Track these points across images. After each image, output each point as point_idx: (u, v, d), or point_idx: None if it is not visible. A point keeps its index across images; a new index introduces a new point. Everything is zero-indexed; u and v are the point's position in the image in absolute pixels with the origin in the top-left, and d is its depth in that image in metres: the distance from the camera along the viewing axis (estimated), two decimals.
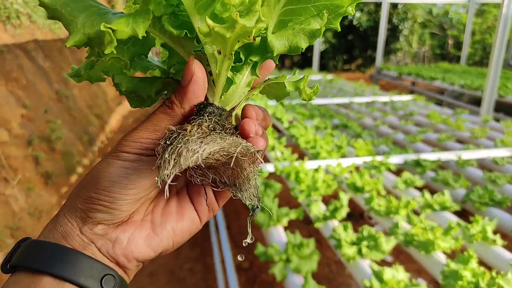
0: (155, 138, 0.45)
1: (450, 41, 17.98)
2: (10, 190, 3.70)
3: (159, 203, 0.52)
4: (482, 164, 3.25)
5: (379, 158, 2.94)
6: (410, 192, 2.52)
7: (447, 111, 5.11)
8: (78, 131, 5.60)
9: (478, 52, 16.17)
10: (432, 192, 2.48)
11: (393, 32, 14.94)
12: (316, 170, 2.58)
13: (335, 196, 2.54)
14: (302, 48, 0.45)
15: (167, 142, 0.41)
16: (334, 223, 2.12)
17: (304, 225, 3.53)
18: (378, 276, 1.53)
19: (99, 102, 7.10)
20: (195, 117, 0.45)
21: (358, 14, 14.36)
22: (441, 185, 2.66)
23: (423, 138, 3.86)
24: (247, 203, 0.45)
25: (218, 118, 0.45)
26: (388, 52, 15.25)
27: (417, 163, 2.93)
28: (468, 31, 10.11)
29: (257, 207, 0.46)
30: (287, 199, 2.95)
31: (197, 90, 0.45)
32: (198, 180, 0.47)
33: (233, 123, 0.51)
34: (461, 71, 9.23)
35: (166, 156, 0.39)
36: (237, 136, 0.44)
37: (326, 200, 2.92)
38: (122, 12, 0.42)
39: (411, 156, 3.06)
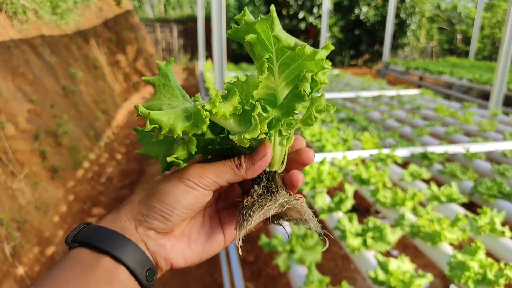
0: (215, 181, 0.57)
1: (459, 36, 17.75)
2: (17, 184, 3.73)
3: (196, 223, 0.62)
4: (490, 157, 3.20)
5: (385, 151, 2.90)
6: (417, 185, 2.48)
7: (455, 105, 5.05)
8: (85, 126, 5.62)
9: (487, 46, 15.95)
10: (439, 184, 2.44)
11: (401, 27, 14.79)
12: (322, 162, 2.55)
13: (341, 188, 2.52)
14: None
15: (245, 208, 0.58)
16: (339, 214, 2.10)
17: None
18: (383, 267, 1.51)
19: (106, 98, 7.12)
20: (256, 182, 0.60)
21: (365, 9, 14.23)
22: (449, 177, 2.62)
23: (430, 131, 3.81)
24: (316, 231, 0.60)
25: (271, 182, 0.60)
26: (395, 47, 15.10)
27: (424, 156, 2.89)
28: (477, 25, 9.97)
29: (320, 234, 0.60)
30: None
31: (263, 167, 0.58)
32: (275, 221, 0.61)
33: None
34: (469, 66, 9.11)
35: (247, 217, 0.57)
36: (285, 191, 0.60)
37: (331, 193, 2.90)
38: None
39: (418, 149, 3.02)
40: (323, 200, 2.22)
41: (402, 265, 1.53)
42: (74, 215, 4.07)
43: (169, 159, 0.55)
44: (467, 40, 16.52)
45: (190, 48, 15.74)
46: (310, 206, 2.42)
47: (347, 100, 5.64)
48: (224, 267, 2.83)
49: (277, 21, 0.52)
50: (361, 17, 14.36)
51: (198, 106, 0.50)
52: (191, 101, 0.60)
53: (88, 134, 5.55)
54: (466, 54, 14.97)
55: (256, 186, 0.60)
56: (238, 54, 14.43)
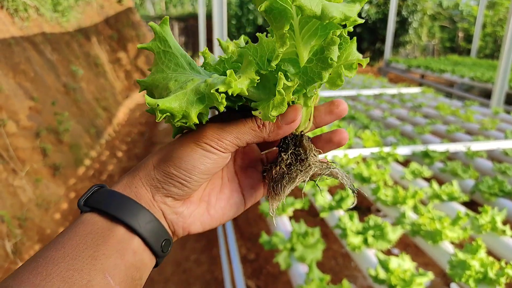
0: (235, 143, 0.52)
1: (460, 34, 17.70)
2: (18, 181, 3.73)
3: (214, 187, 0.59)
4: (492, 156, 3.19)
5: (386, 149, 2.90)
6: (418, 183, 2.48)
7: (457, 103, 5.04)
8: (86, 123, 5.62)
9: (489, 45, 15.90)
10: (440, 183, 2.44)
11: (402, 25, 14.75)
12: None
13: (342, 186, 2.52)
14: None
15: (275, 182, 0.55)
16: (340, 213, 2.10)
17: (310, 217, 3.51)
18: (384, 265, 1.51)
19: (107, 95, 7.12)
20: (283, 149, 0.56)
21: (366, 7, 14.18)
22: (450, 176, 2.62)
23: (431, 129, 3.80)
24: (350, 188, 0.54)
25: (299, 148, 0.56)
26: (397, 45, 15.07)
27: (425, 154, 2.88)
28: (479, 23, 9.94)
29: (354, 191, 0.54)
30: (292, 190, 2.93)
31: (288, 132, 0.54)
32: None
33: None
34: (471, 64, 9.09)
35: (278, 191, 0.54)
36: (315, 153, 0.56)
37: (332, 191, 2.90)
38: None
39: (419, 147, 3.01)
40: (324, 199, 2.22)
41: (403, 264, 1.52)
42: (75, 213, 4.08)
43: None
44: (469, 38, 16.47)
45: (191, 45, 15.73)
46: (311, 207, 2.42)
47: (349, 98, 5.63)
48: (225, 264, 2.83)
49: None
50: (363, 15, 14.32)
51: (212, 91, 0.45)
52: (199, 69, 0.54)
53: (89, 131, 5.55)
54: (468, 52, 14.93)
55: (283, 154, 0.55)
56: None
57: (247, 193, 0.60)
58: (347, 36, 0.51)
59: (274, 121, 0.50)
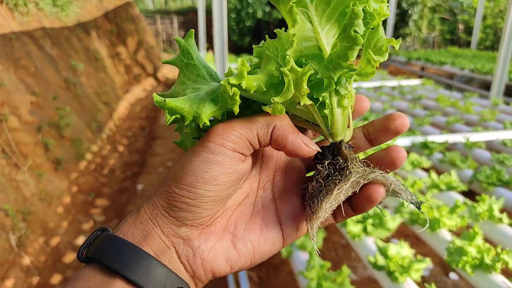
0: (245, 136, 0.43)
1: (461, 26, 17.64)
2: (21, 176, 3.77)
3: (243, 214, 0.48)
4: (490, 146, 3.22)
5: None
6: (417, 173, 2.51)
7: (456, 95, 5.05)
8: (87, 118, 5.65)
9: (490, 37, 15.85)
10: (439, 173, 2.47)
11: (402, 17, 14.71)
12: None
13: None
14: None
15: (311, 198, 0.46)
16: None
17: None
18: (383, 252, 1.54)
19: (107, 90, 7.14)
20: (319, 161, 0.48)
21: None
22: (449, 166, 2.65)
23: (431, 121, 3.82)
24: (411, 202, 0.47)
25: (337, 157, 0.48)
26: (397, 37, 15.02)
27: (425, 145, 2.91)
28: (479, 15, 9.91)
29: (416, 205, 0.47)
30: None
31: (297, 151, 0.45)
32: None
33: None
34: (471, 56, 9.09)
35: (315, 208, 0.45)
36: (358, 163, 0.47)
37: None
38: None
39: (419, 138, 3.04)
40: None
41: (401, 251, 1.56)
42: (78, 206, 4.12)
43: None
44: (469, 30, 16.42)
45: None
46: None
47: None
48: None
49: None
50: None
51: (221, 82, 0.40)
52: (220, 79, 0.49)
53: (90, 126, 5.58)
54: (468, 44, 14.89)
55: (319, 166, 0.47)
56: (239, 46, 14.37)
57: (286, 225, 0.48)
58: (372, 11, 0.43)
59: (283, 112, 0.43)
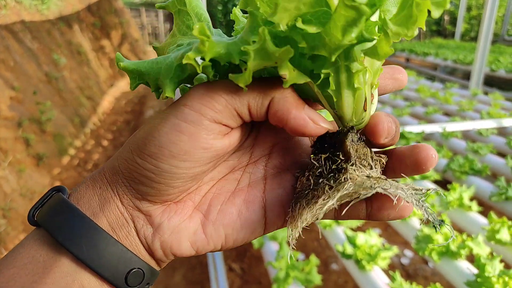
0: (232, 104, 0.34)
1: (446, 17, 17.78)
2: (1, 172, 3.73)
3: (222, 192, 0.40)
4: (467, 136, 3.27)
5: None
6: None
7: (437, 85, 5.11)
8: (69, 113, 5.58)
9: (474, 27, 16.01)
10: None
11: None
12: None
13: None
14: None
15: (295, 197, 0.37)
16: None
17: None
18: (351, 241, 1.57)
19: (91, 84, 7.06)
20: (317, 150, 0.39)
21: None
22: None
23: (410, 111, 3.87)
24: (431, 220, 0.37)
25: (338, 152, 0.37)
26: None
27: (402, 136, 2.95)
28: (462, 6, 10.00)
29: (436, 224, 0.36)
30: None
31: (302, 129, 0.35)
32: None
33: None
34: (454, 47, 9.18)
35: (295, 213, 0.36)
36: (363, 163, 0.36)
37: None
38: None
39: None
40: None
41: (370, 239, 1.59)
42: None
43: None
44: (454, 21, 16.55)
45: None
46: None
47: None
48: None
49: None
50: None
51: (188, 54, 0.31)
52: (215, 32, 0.40)
53: (73, 121, 5.52)
54: (453, 35, 15.02)
55: (313, 159, 0.38)
56: None
57: (271, 210, 0.40)
58: None
59: (249, 80, 0.32)
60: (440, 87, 5.00)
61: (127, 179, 0.36)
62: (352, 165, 0.35)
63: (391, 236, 3.02)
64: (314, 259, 1.53)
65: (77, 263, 0.35)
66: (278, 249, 1.59)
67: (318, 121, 0.35)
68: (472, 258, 1.56)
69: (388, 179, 0.35)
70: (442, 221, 0.36)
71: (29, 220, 0.37)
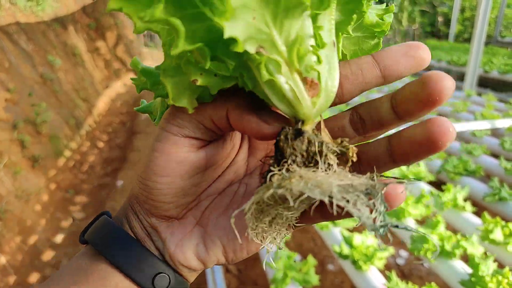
0: (197, 119, 0.36)
1: (440, 19, 17.90)
2: None
3: (220, 206, 0.41)
4: (461, 137, 3.31)
5: None
6: None
7: None
8: (65, 114, 5.57)
9: (468, 29, 16.13)
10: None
11: None
12: None
13: None
14: None
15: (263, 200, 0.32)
16: None
17: None
18: (348, 242, 1.59)
19: (86, 85, 7.04)
20: (275, 146, 0.34)
21: None
22: None
23: None
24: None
25: (278, 152, 0.33)
26: None
27: None
28: (456, 7, 10.08)
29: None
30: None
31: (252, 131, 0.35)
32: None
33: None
34: (448, 48, 9.26)
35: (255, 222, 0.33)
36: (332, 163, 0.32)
37: None
38: None
39: (391, 131, 3.10)
40: None
41: (366, 240, 1.61)
42: (56, 204, 4.08)
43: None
44: (448, 23, 16.67)
45: None
46: None
47: None
48: None
49: None
50: None
51: None
52: None
53: (68, 122, 5.50)
54: (447, 36, 15.13)
55: (270, 157, 0.35)
56: None
57: None
58: None
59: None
60: None
61: (137, 199, 0.41)
62: (280, 166, 0.32)
63: (387, 236, 3.05)
64: (311, 260, 1.54)
65: (111, 266, 0.39)
66: (276, 250, 1.61)
67: (269, 120, 0.34)
68: (466, 258, 1.59)
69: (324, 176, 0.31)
70: (387, 224, 0.30)
71: (79, 241, 0.43)
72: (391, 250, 1.59)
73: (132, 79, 0.42)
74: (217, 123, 0.36)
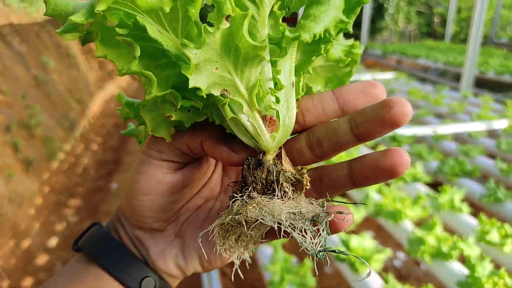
0: (174, 145, 0.41)
1: (436, 19, 17.97)
2: None
3: (197, 220, 0.46)
4: (458, 138, 3.30)
5: None
6: None
7: (428, 88, 5.15)
8: (59, 116, 5.52)
9: (464, 30, 16.20)
10: None
11: (379, 11, 14.86)
12: None
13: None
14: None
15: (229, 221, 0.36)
16: None
17: None
18: (345, 244, 1.57)
19: (80, 87, 7.00)
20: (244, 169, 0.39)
21: None
22: (416, 158, 2.70)
23: None
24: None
25: (264, 175, 0.38)
26: (374, 31, 15.20)
27: (393, 139, 2.96)
28: (452, 8, 10.11)
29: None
30: None
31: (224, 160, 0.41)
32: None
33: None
34: (445, 49, 9.27)
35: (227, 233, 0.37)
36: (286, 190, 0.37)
37: None
38: None
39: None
40: None
41: (363, 242, 1.59)
42: (50, 207, 4.04)
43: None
44: (444, 23, 16.74)
45: None
46: None
47: None
48: None
49: None
50: None
51: None
52: None
53: (62, 124, 5.46)
54: (444, 37, 15.19)
55: (236, 182, 0.41)
56: None
57: None
58: None
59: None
60: (431, 89, 5.04)
61: (123, 214, 0.46)
62: (242, 192, 0.37)
63: (384, 238, 3.03)
64: (308, 262, 1.52)
65: (103, 271, 0.44)
66: (273, 253, 1.59)
67: (237, 150, 0.40)
68: (463, 259, 1.57)
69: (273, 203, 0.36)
70: (325, 249, 0.33)
71: (72, 249, 0.47)
72: (388, 252, 1.57)
73: (118, 109, 0.47)
74: (192, 149, 0.41)
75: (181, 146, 0.41)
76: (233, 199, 0.37)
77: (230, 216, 0.35)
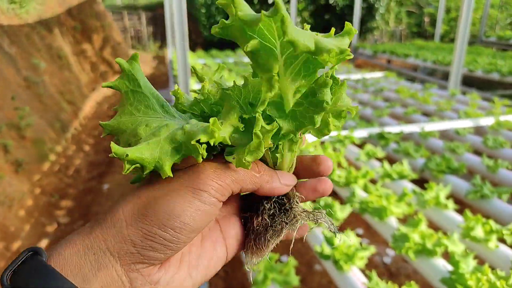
0: (231, 189, 0.44)
1: (427, 19, 18.09)
2: None
3: (194, 242, 0.47)
4: (445, 135, 3.33)
5: (344, 133, 2.99)
6: (372, 163, 2.58)
7: (417, 86, 5.20)
8: (50, 118, 5.49)
9: (454, 29, 16.33)
10: (394, 163, 2.55)
11: (369, 11, 14.93)
12: None
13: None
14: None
15: (257, 234, 0.48)
16: None
17: None
18: (329, 242, 1.59)
19: (72, 88, 6.96)
20: (265, 197, 0.50)
21: None
22: (402, 155, 2.73)
23: (390, 112, 3.92)
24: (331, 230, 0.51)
25: (282, 196, 0.51)
26: (365, 31, 15.27)
27: (381, 136, 2.99)
28: (441, 8, 10.20)
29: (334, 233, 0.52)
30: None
31: (284, 191, 0.49)
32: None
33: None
34: (434, 48, 9.34)
35: (262, 246, 0.48)
36: (297, 201, 0.51)
37: None
38: None
39: (376, 130, 3.12)
40: None
41: (347, 240, 1.60)
42: (41, 209, 4.02)
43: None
44: (435, 23, 16.86)
45: (159, 35, 15.46)
46: None
47: None
48: None
49: (288, 19, 0.37)
50: (331, 2, 14.42)
51: (192, 142, 0.39)
52: (173, 112, 0.48)
53: (53, 126, 5.43)
54: (434, 36, 15.30)
55: (265, 203, 0.50)
56: (208, 41, 14.26)
57: (231, 246, 0.49)
58: (337, 77, 0.46)
59: (249, 167, 0.43)
60: (420, 87, 5.09)
61: (137, 247, 0.39)
62: (294, 203, 0.50)
63: (373, 235, 3.05)
64: (292, 261, 1.53)
65: None
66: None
67: (290, 184, 0.49)
68: (448, 256, 1.60)
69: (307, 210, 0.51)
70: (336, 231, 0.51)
71: (2, 285, 0.35)
72: (372, 249, 1.59)
73: (101, 124, 0.50)
74: (242, 191, 0.46)
75: (235, 190, 0.45)
76: (290, 210, 0.50)
77: (301, 220, 0.49)
